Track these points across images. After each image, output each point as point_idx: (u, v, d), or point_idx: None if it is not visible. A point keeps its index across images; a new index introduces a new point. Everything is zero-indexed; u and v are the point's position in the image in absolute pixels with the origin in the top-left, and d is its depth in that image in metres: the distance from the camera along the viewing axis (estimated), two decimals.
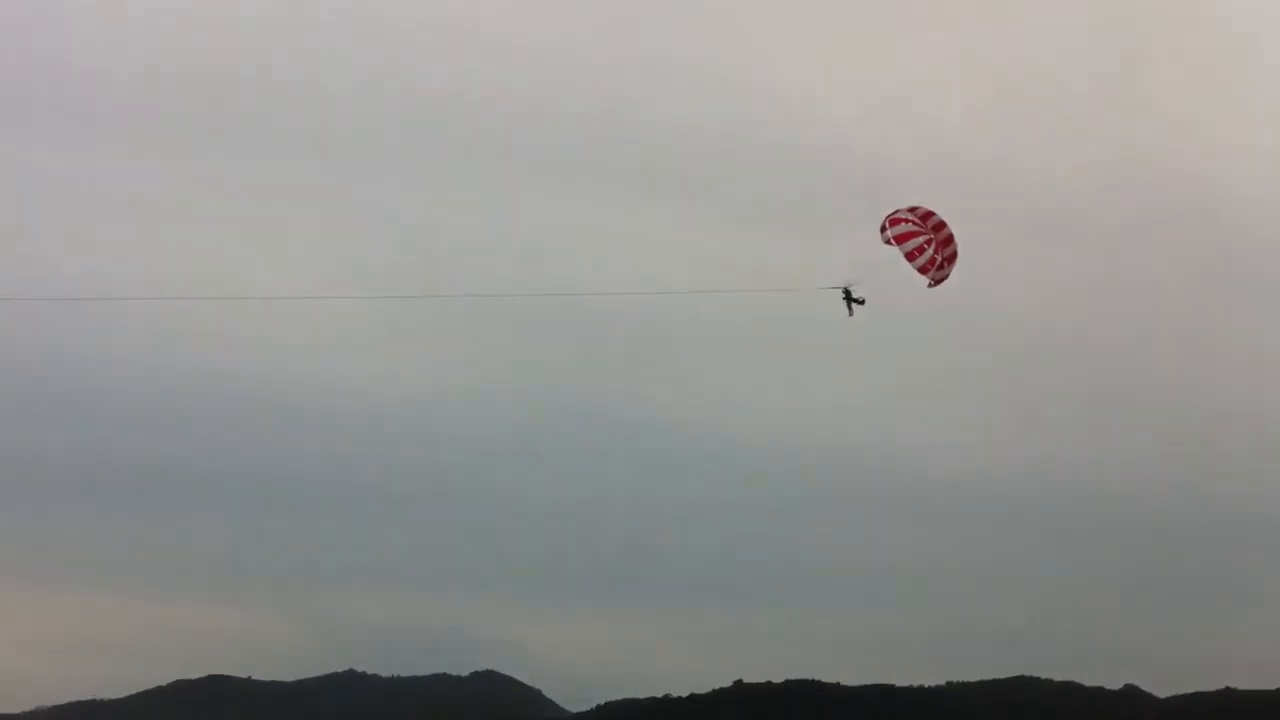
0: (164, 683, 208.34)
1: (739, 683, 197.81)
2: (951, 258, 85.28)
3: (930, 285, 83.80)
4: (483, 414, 74.00)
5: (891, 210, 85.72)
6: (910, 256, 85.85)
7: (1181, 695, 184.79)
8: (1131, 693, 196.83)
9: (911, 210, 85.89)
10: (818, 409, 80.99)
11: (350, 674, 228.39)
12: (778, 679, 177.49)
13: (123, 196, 77.37)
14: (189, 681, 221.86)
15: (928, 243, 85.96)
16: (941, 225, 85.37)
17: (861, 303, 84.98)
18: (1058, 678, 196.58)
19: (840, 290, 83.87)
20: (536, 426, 76.27)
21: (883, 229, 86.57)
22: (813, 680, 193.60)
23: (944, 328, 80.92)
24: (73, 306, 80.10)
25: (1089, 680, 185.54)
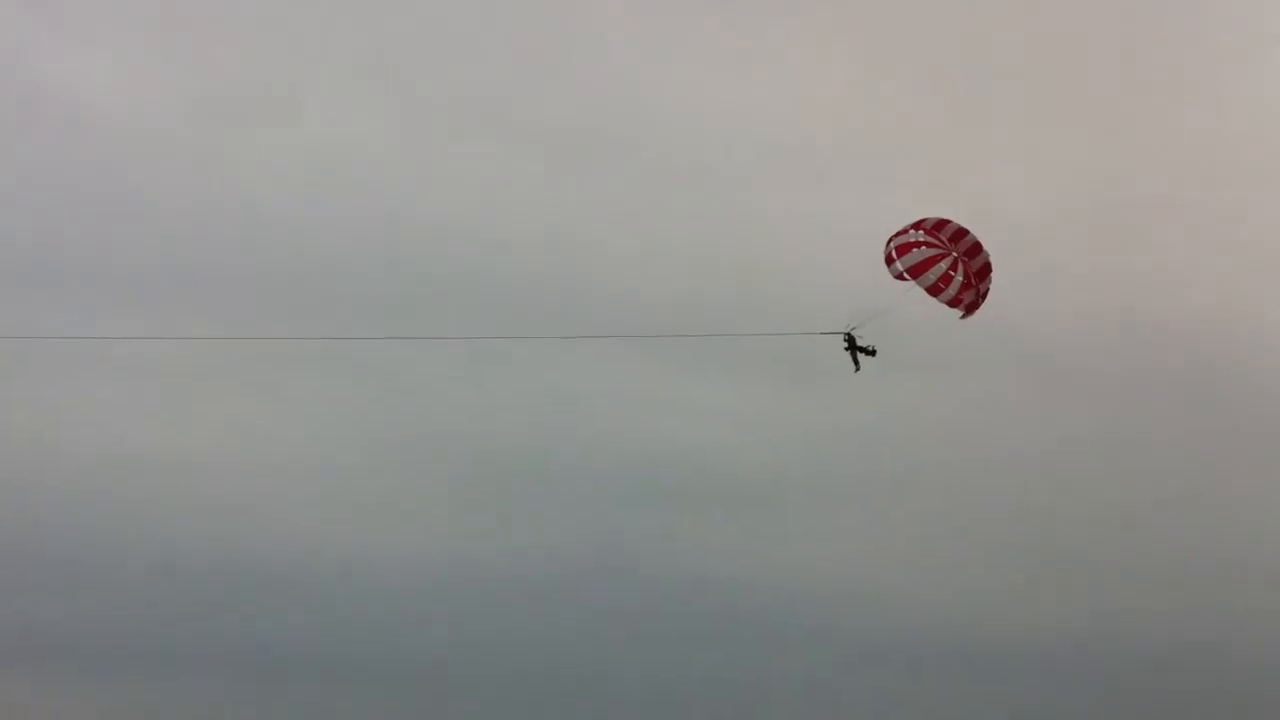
0: None
1: None
2: (984, 271, 64.20)
3: (964, 315, 59.84)
4: (498, 575, 60.96)
5: (896, 232, 64.93)
6: (934, 290, 65.05)
7: None
8: None
9: (919, 226, 65.20)
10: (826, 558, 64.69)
11: None
12: None
13: (122, 356, 63.53)
14: None
15: (953, 266, 59.27)
16: (962, 233, 59.66)
17: (872, 353, 61.02)
18: None
19: (842, 338, 60.80)
20: (550, 586, 62.98)
21: (889, 260, 62.57)
22: None
23: (949, 472, 64.65)
24: (70, 468, 64.77)
25: None
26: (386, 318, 61.60)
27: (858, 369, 63.16)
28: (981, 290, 61.50)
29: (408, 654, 60.60)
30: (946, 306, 62.03)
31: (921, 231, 61.74)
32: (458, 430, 66.21)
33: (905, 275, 62.04)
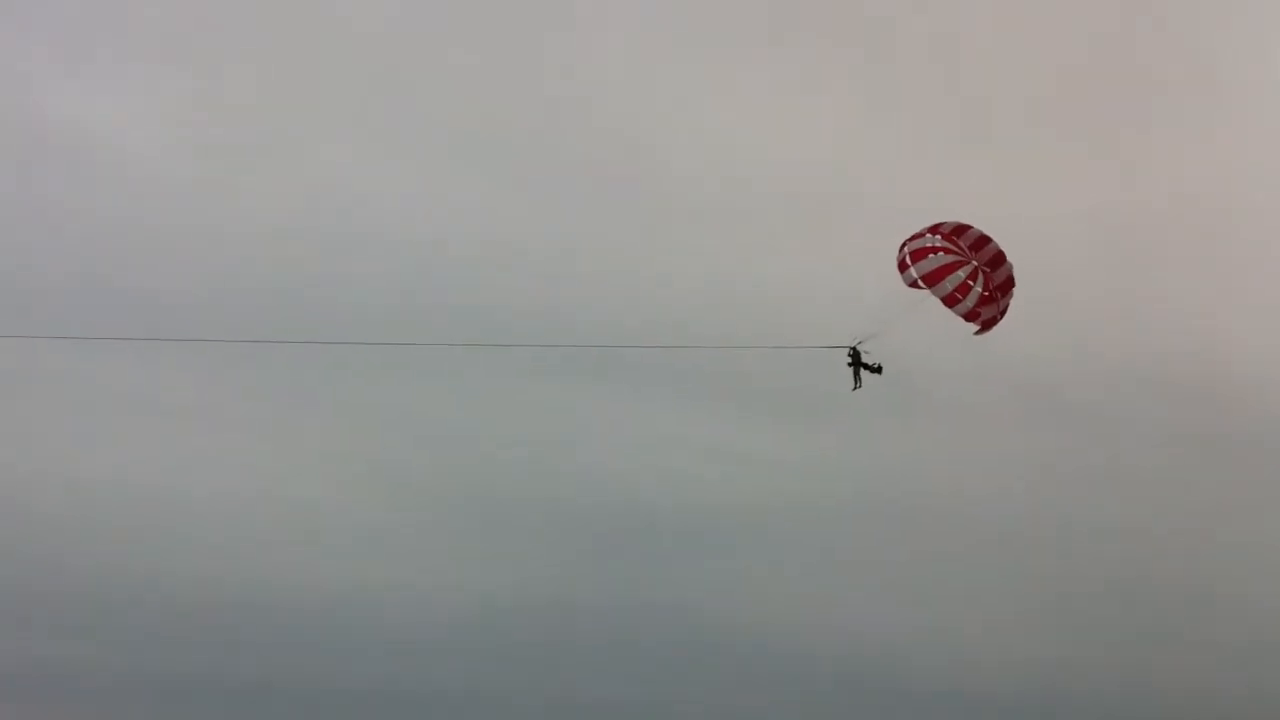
0: None
1: None
2: (1007, 285, 59.87)
3: (979, 332, 55.36)
4: (502, 619, 59.89)
5: (911, 236, 55.65)
6: (950, 300, 59.12)
7: None
8: None
9: (937, 230, 56.08)
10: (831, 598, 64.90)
11: None
12: None
13: (140, 397, 62.00)
14: None
15: (973, 275, 54.52)
16: (984, 240, 54.23)
17: (878, 370, 56.62)
18: None
19: (846, 352, 56.29)
20: (561, 631, 61.39)
21: (903, 266, 56.29)
22: None
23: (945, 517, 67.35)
24: (81, 508, 62.67)
25: None
26: (388, 353, 57.20)
27: (857, 385, 58.41)
28: (1002, 307, 57.09)
29: (411, 693, 59.78)
30: (962, 320, 57.59)
31: (939, 236, 57.22)
32: (462, 468, 65.37)
33: (920, 283, 57.58)
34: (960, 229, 56.80)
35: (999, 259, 56.78)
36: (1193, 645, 63.71)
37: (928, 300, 57.11)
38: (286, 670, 59.96)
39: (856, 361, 58.16)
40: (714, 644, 62.44)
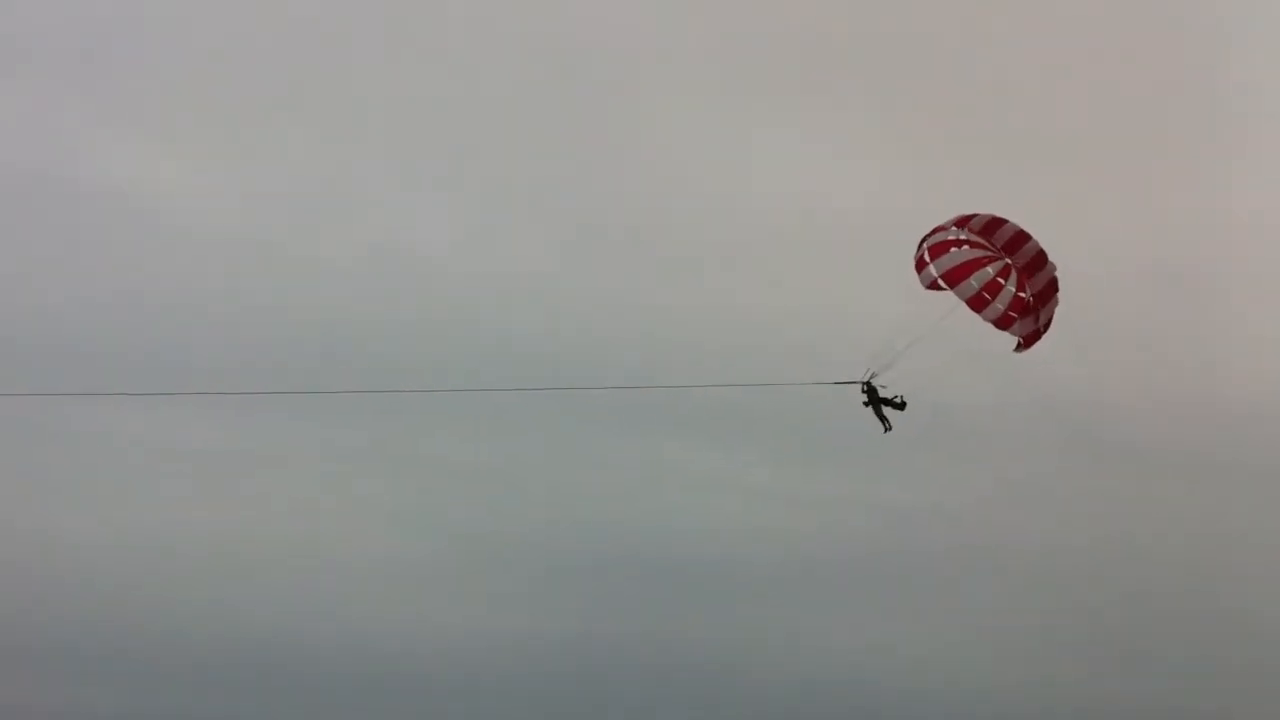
0: None
1: None
2: (1048, 291, 44.67)
3: (1020, 349, 45.62)
4: (533, 662, 59.98)
5: (932, 230, 45.62)
6: (977, 303, 45.06)
7: None
8: None
9: (964, 223, 45.06)
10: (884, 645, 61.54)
11: None
12: None
13: (187, 451, 60.17)
14: None
15: (1003, 273, 45.24)
16: (1022, 237, 44.51)
17: (901, 406, 46.67)
18: None
19: (861, 389, 46.10)
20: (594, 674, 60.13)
21: (920, 264, 45.89)
22: None
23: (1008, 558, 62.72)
24: (131, 560, 61.68)
25: None
26: (440, 406, 57.57)
27: (888, 428, 48.09)
28: (1044, 320, 46.26)
29: None
30: (993, 328, 46.91)
31: (965, 229, 46.80)
32: (493, 510, 64.33)
33: (940, 283, 47.04)
34: (994, 223, 46.49)
35: (1039, 260, 46.27)
36: (1238, 679, 60.92)
37: (947, 316, 46.57)
38: (324, 714, 59.27)
39: (875, 399, 47.74)
40: (746, 684, 61.14)
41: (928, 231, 47.35)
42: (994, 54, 69.33)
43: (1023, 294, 46.55)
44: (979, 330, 46.99)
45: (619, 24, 69.15)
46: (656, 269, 67.47)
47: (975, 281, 46.81)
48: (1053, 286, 46.57)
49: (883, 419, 48.41)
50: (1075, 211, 64.03)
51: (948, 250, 47.07)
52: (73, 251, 65.96)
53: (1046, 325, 46.85)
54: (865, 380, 47.90)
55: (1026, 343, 47.06)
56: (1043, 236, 46.24)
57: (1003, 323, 46.92)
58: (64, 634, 58.65)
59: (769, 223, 68.30)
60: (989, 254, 46.70)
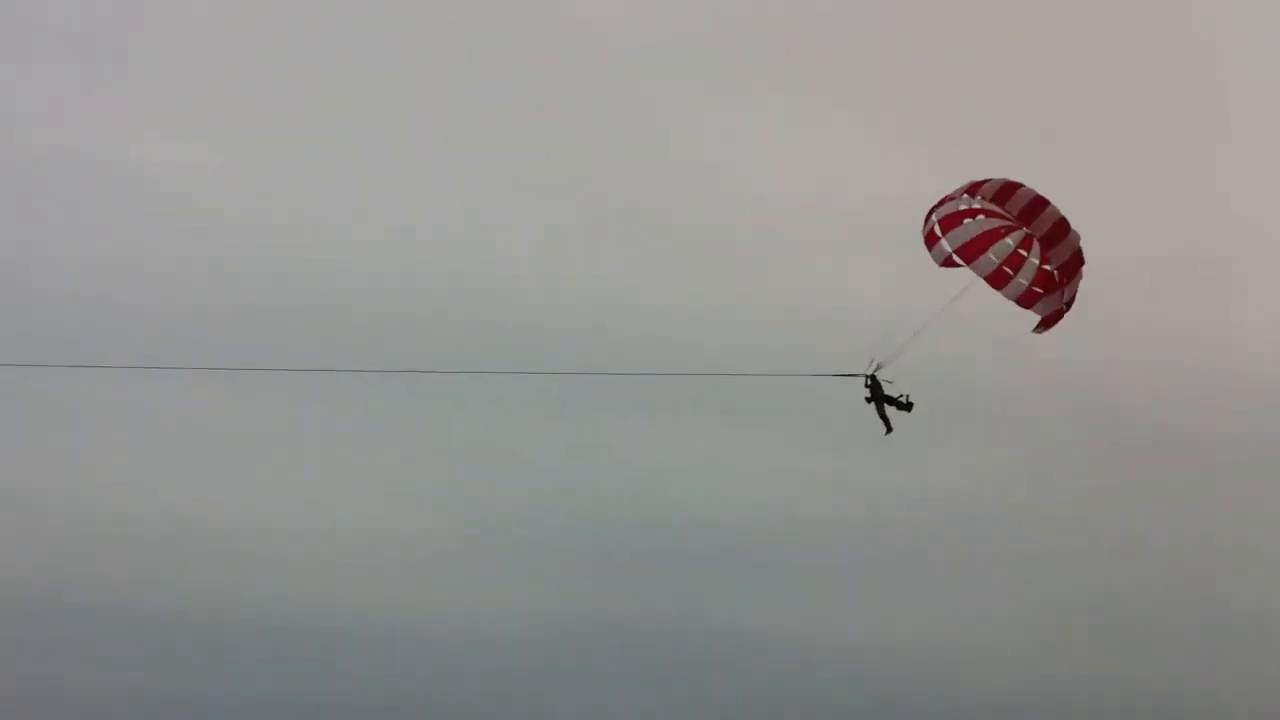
0: None
1: None
2: (1074, 264, 39.74)
3: (1039, 329, 41.01)
4: (550, 643, 61.29)
5: (941, 200, 40.74)
6: (997, 279, 40.59)
7: None
8: None
9: (976, 190, 40.05)
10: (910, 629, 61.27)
11: None
12: None
13: (206, 426, 62.29)
14: None
15: (1025, 244, 40.59)
16: (1040, 203, 39.56)
17: (907, 407, 42.16)
18: None
19: (864, 383, 41.63)
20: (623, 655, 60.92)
21: (931, 238, 41.11)
22: None
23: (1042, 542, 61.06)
24: (147, 539, 63.08)
25: None
26: (455, 389, 58.04)
27: (889, 430, 43.29)
28: (1068, 296, 41.44)
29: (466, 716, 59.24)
30: (1015, 305, 42.21)
31: (978, 198, 42.06)
32: (513, 493, 64.69)
33: (955, 258, 42.38)
34: (1008, 188, 41.58)
35: (1061, 228, 41.35)
36: (1259, 666, 59.86)
37: (964, 293, 41.94)
38: (342, 694, 59.47)
39: (879, 396, 42.99)
40: (766, 666, 60.63)
41: (935, 202, 42.71)
42: (1014, 42, 68.96)
43: (1047, 266, 41.86)
44: (996, 310, 42.29)
45: (628, 12, 69.47)
46: (668, 258, 67.15)
47: (994, 255, 42.04)
48: (1078, 259, 41.74)
49: (885, 419, 43.72)
50: (1104, 197, 61.94)
51: (960, 222, 42.26)
52: (92, 234, 67.11)
53: (1070, 303, 42.09)
54: (869, 373, 43.23)
55: (1047, 323, 42.29)
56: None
57: (1026, 300, 42.12)
58: (85, 613, 59.23)
59: (785, 211, 67.49)
60: (1007, 223, 42.03)
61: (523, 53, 69.88)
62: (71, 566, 59.92)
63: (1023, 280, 41.81)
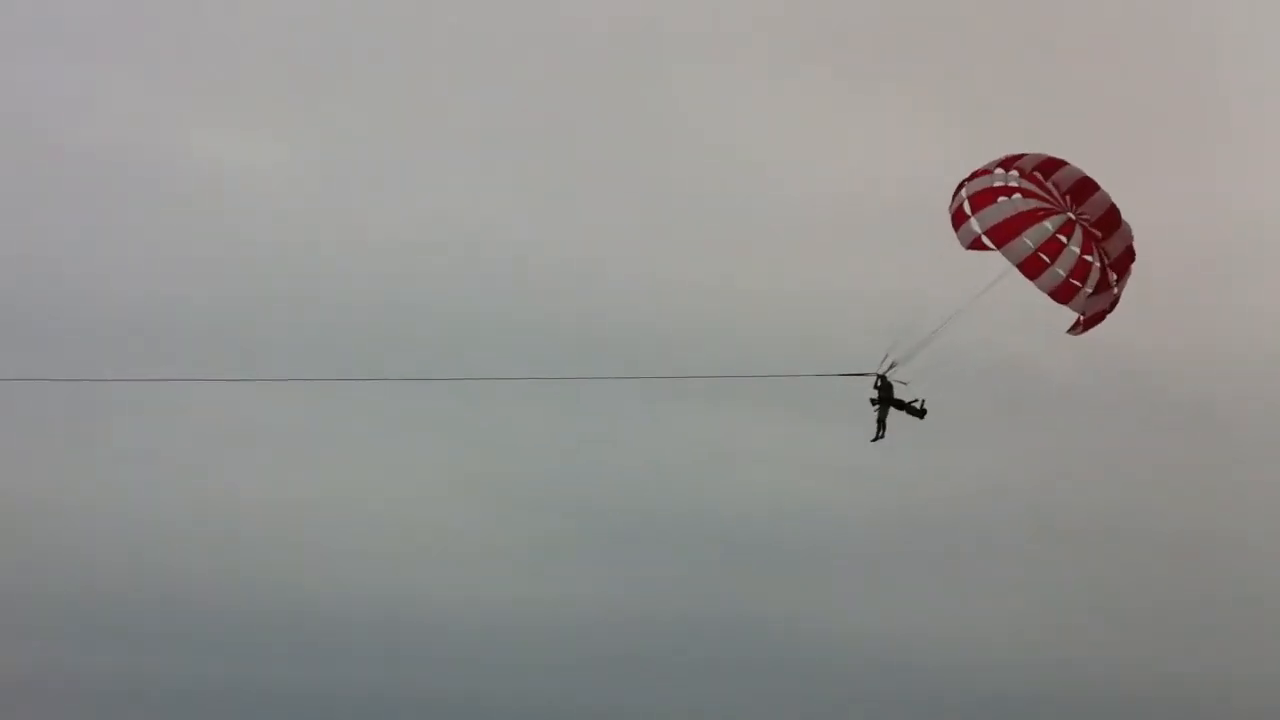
0: None
1: None
2: (1124, 260, 34.39)
3: (1076, 329, 35.22)
4: (612, 633, 59.99)
5: (972, 173, 35.17)
6: (1032, 267, 34.38)
7: None
8: None
9: (1011, 164, 35.00)
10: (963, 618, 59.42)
11: None
12: None
13: (268, 423, 63.37)
14: None
15: (1065, 230, 34.51)
16: (1087, 185, 34.45)
17: (921, 414, 35.97)
18: None
19: (873, 384, 35.60)
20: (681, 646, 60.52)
21: (960, 216, 35.00)
22: None
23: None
24: (202, 526, 63.21)
25: None
26: (505, 371, 62.09)
27: (879, 434, 36.31)
28: (1116, 293, 35.29)
29: (531, 703, 60.77)
30: (1049, 299, 35.55)
31: (1015, 173, 36.06)
32: (578, 486, 65.23)
33: (985, 240, 35.74)
34: (1051, 164, 35.92)
35: (1112, 216, 35.57)
36: None
37: (999, 276, 35.42)
38: (410, 683, 60.44)
39: (888, 398, 35.81)
40: (820, 657, 60.78)
41: (966, 175, 36.49)
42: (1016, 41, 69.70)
43: (1089, 257, 35.65)
44: (1030, 301, 35.68)
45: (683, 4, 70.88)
46: (708, 247, 67.32)
47: (1030, 240, 35.69)
48: (1129, 255, 35.87)
49: (881, 423, 36.35)
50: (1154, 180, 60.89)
51: (994, 200, 36.11)
52: (147, 228, 68.26)
53: (1114, 303, 35.86)
54: (881, 373, 35.96)
55: (1087, 323, 35.84)
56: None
57: (1062, 294, 35.80)
58: (142, 602, 60.28)
59: (828, 196, 66.88)
60: (1047, 205, 35.93)
61: (562, 47, 70.89)
62: (130, 559, 60.80)
63: (1060, 270, 35.60)
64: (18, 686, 58.46)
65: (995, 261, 35.82)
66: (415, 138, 71.70)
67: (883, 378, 35.90)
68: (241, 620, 60.92)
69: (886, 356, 35.79)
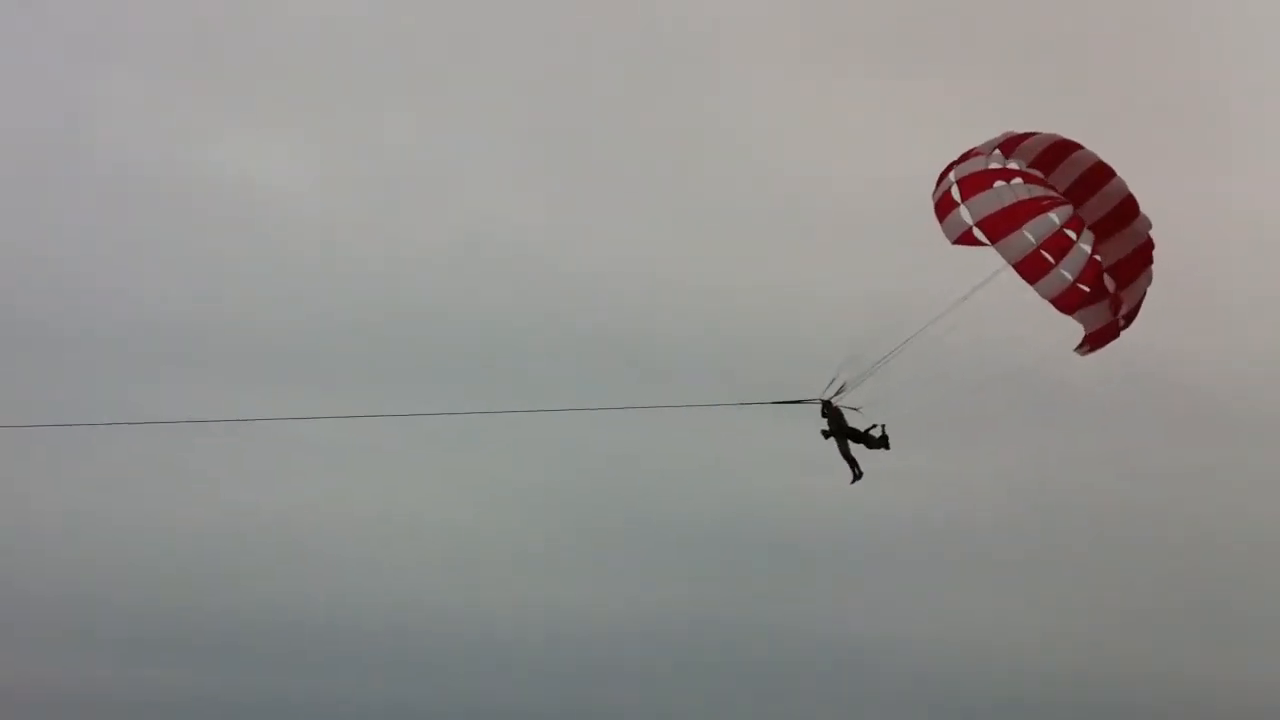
0: None
1: None
2: (1137, 260, 28.46)
3: (1084, 348, 29.63)
4: (643, 639, 59.04)
5: (961, 156, 29.57)
6: (1032, 267, 28.75)
7: None
8: None
9: (1009, 146, 29.24)
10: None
11: None
12: None
13: (305, 434, 58.49)
14: None
15: (1073, 225, 29.03)
16: (1103, 173, 28.61)
17: (883, 443, 30.20)
18: None
19: (820, 410, 30.13)
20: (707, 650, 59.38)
21: (946, 204, 29.21)
22: None
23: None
24: (255, 544, 62.56)
25: None
26: (531, 386, 63.86)
27: (857, 475, 30.38)
28: (1128, 307, 29.43)
29: (563, 709, 60.72)
30: (1050, 305, 29.54)
31: (1014, 157, 30.04)
32: (609, 491, 66.42)
33: (976, 233, 29.67)
34: (1059, 147, 29.96)
35: (1127, 208, 29.58)
36: None
37: (976, 289, 29.57)
38: (441, 690, 60.91)
39: (841, 429, 29.86)
40: (832, 660, 61.71)
41: (956, 157, 30.45)
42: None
43: (1100, 257, 29.72)
44: (1024, 304, 29.74)
45: (714, 8, 70.96)
46: (750, 251, 66.57)
47: (1031, 234, 29.65)
48: (1143, 255, 29.89)
49: (851, 460, 30.34)
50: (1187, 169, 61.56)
51: (989, 185, 30.15)
52: (185, 238, 68.96)
53: (1130, 317, 29.88)
54: (823, 398, 30.08)
55: (1094, 341, 29.94)
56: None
57: (1066, 301, 29.93)
58: (191, 616, 60.58)
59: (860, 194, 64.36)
60: (1051, 194, 29.94)
61: (611, 46, 71.45)
62: (198, 569, 61.45)
63: (1066, 273, 29.81)
64: (18, 694, 58.15)
65: (993, 260, 29.86)
66: (452, 146, 72.49)
67: (828, 404, 29.78)
68: (251, 629, 61.51)
69: (833, 380, 29.76)
